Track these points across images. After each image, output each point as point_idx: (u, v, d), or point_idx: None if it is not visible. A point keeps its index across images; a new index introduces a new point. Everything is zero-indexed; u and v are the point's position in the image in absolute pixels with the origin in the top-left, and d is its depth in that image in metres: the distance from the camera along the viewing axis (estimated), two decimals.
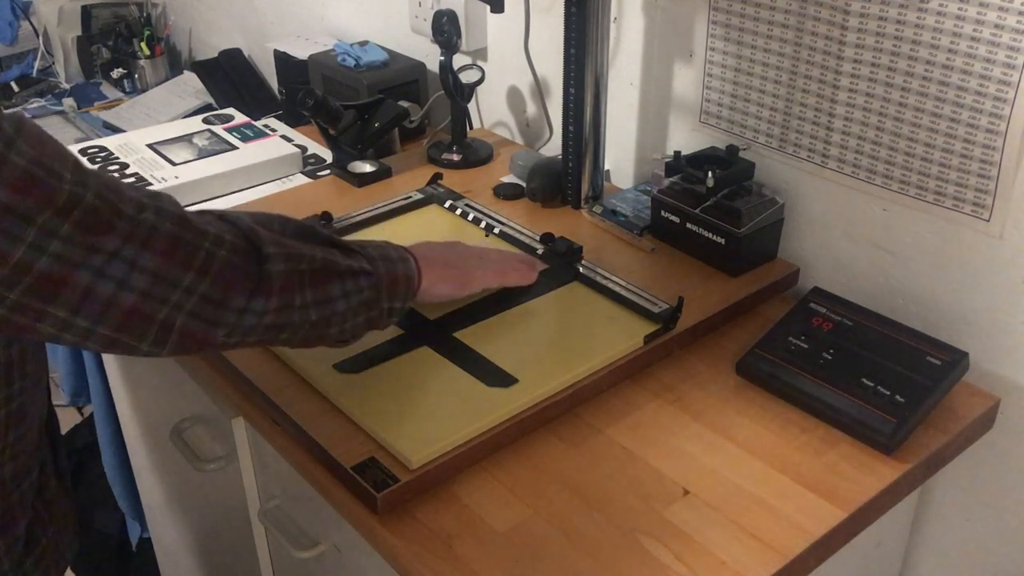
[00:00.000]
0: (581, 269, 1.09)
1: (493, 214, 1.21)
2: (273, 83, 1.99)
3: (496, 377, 0.93)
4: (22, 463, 0.86)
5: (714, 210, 1.10)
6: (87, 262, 0.66)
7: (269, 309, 0.76)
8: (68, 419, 2.00)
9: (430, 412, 0.89)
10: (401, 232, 1.20)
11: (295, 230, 0.83)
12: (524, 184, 1.30)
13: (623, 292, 1.04)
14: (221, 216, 0.76)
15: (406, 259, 0.91)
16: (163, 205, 0.71)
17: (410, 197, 1.26)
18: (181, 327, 0.71)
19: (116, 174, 1.35)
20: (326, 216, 1.17)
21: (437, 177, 1.30)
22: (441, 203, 1.26)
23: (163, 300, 0.69)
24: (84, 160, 0.66)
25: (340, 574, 0.99)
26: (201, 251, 0.71)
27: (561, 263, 1.10)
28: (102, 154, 1.41)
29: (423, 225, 1.22)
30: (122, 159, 1.40)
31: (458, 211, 1.23)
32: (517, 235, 1.16)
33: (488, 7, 1.22)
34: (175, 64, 2.34)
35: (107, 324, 0.68)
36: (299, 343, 0.83)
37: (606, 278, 1.07)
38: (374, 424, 0.87)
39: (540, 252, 1.13)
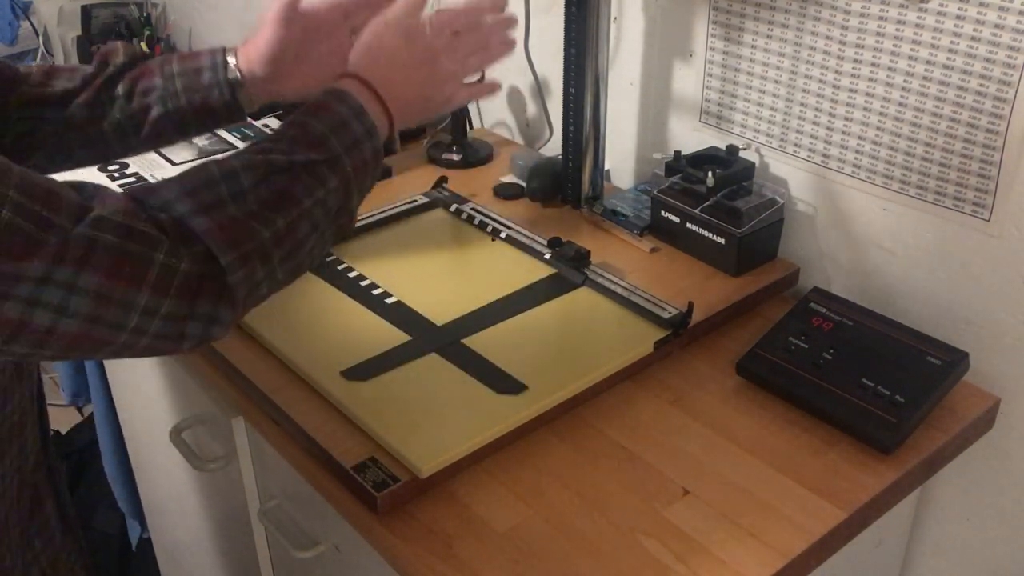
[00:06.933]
0: (589, 274, 1.09)
1: (499, 218, 1.21)
2: None
3: (505, 384, 0.92)
4: None
5: (714, 210, 1.10)
6: (11, 292, 0.58)
7: (238, 315, 0.68)
8: (68, 419, 2.01)
9: (440, 420, 0.89)
10: (406, 236, 1.20)
11: (250, 182, 0.69)
12: (524, 184, 1.30)
13: (632, 297, 1.04)
14: (162, 210, 0.66)
15: (372, 130, 0.75)
16: (104, 213, 0.62)
17: (415, 201, 1.26)
18: (145, 348, 0.65)
19: (114, 175, 1.34)
20: None
21: (442, 180, 1.30)
22: (446, 207, 1.26)
23: (118, 325, 0.62)
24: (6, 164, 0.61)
25: (340, 574, 0.99)
26: (154, 265, 0.62)
27: (569, 267, 1.10)
28: None
29: (428, 229, 1.22)
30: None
31: (463, 215, 1.23)
32: (524, 240, 1.16)
33: None
34: None
35: (53, 349, 0.62)
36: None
37: (614, 283, 1.06)
38: (384, 432, 0.86)
39: (548, 256, 1.12)
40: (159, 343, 0.65)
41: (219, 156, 0.71)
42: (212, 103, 0.93)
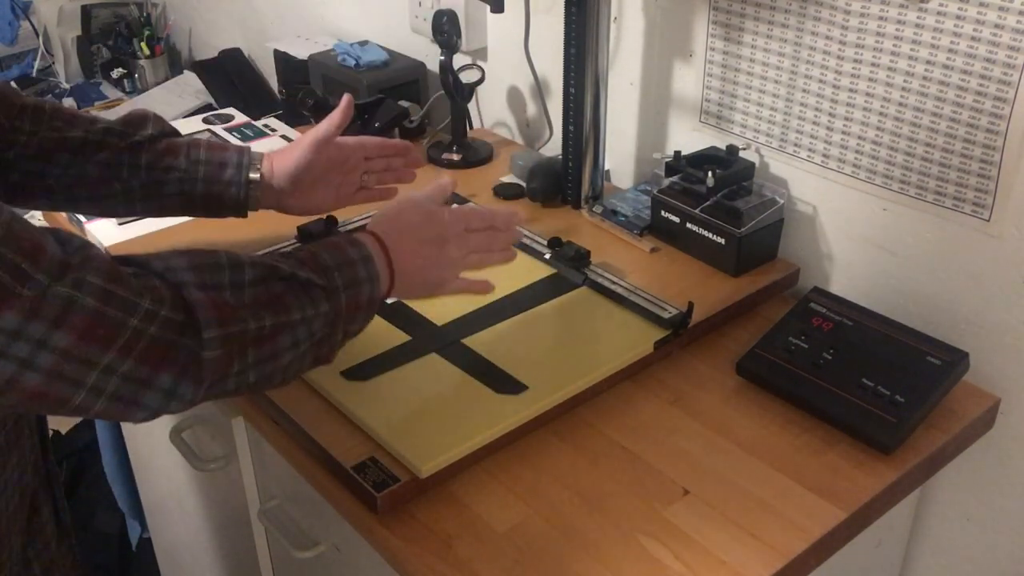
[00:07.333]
0: (589, 274, 1.09)
1: None
2: (273, 83, 1.99)
3: (506, 384, 0.92)
4: None
5: (714, 210, 1.10)
6: None
7: (198, 397, 0.68)
8: (68, 419, 2.00)
9: (440, 420, 0.89)
10: None
11: (252, 278, 0.71)
12: (524, 184, 1.30)
13: (632, 297, 1.04)
14: (163, 274, 0.67)
15: (374, 278, 0.79)
16: (86, 275, 0.61)
17: None
18: (100, 411, 0.64)
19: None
20: (331, 220, 1.16)
21: None
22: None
23: (77, 383, 0.62)
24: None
25: (340, 574, 0.99)
26: (126, 329, 0.62)
27: (569, 267, 1.10)
28: None
29: None
30: None
31: None
32: (524, 239, 1.16)
33: (488, 7, 1.22)
34: (175, 64, 2.34)
35: (7, 401, 0.61)
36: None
37: (614, 283, 1.06)
38: (384, 432, 0.86)
39: (548, 256, 1.12)
40: (113, 406, 0.64)
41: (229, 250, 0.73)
42: (225, 197, 0.99)
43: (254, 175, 1.00)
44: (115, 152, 0.95)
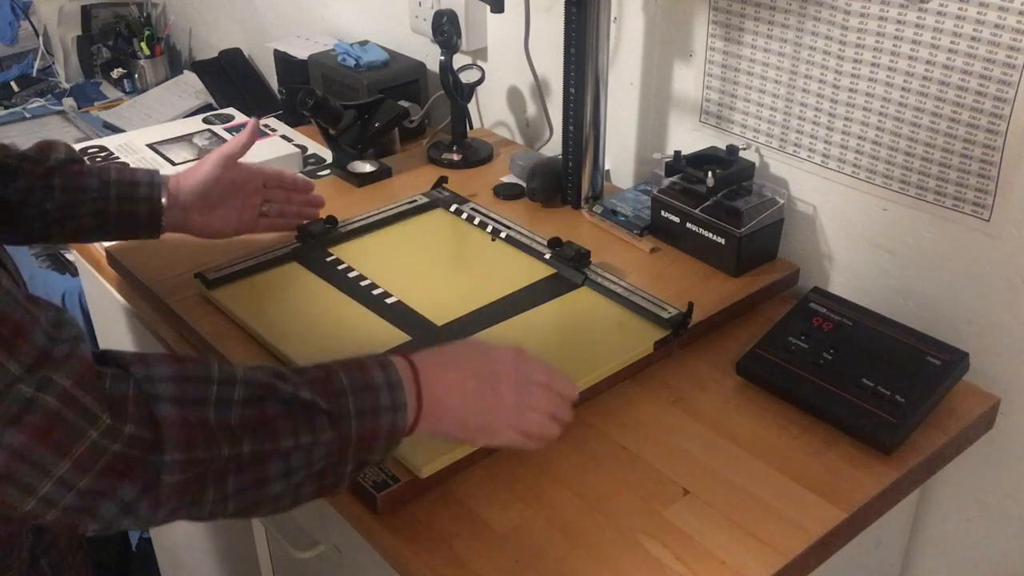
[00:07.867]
0: (589, 274, 1.09)
1: (499, 218, 1.21)
2: (273, 83, 1.99)
3: None
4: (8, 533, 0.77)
5: (714, 210, 1.10)
6: None
7: (156, 519, 0.63)
8: None
9: None
10: (407, 236, 1.20)
11: (242, 396, 0.66)
12: (524, 184, 1.30)
13: (632, 297, 1.04)
14: (141, 383, 0.63)
15: (400, 407, 0.71)
16: (56, 375, 0.58)
17: (415, 201, 1.26)
18: (52, 521, 0.61)
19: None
20: (331, 220, 1.16)
21: (442, 181, 1.30)
22: (447, 207, 1.25)
23: (28, 489, 0.59)
24: None
25: (340, 574, 0.99)
26: (84, 439, 0.59)
27: (569, 267, 1.10)
28: (102, 154, 1.42)
29: (428, 230, 1.22)
30: (122, 159, 1.40)
31: (464, 215, 1.23)
32: (523, 239, 1.16)
33: (488, 7, 1.22)
34: (175, 64, 2.34)
35: None
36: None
37: (614, 283, 1.06)
38: None
39: (548, 256, 1.12)
40: (67, 517, 0.61)
41: (227, 362, 0.69)
42: (138, 215, 1.01)
43: (163, 195, 1.02)
44: (34, 178, 0.96)
